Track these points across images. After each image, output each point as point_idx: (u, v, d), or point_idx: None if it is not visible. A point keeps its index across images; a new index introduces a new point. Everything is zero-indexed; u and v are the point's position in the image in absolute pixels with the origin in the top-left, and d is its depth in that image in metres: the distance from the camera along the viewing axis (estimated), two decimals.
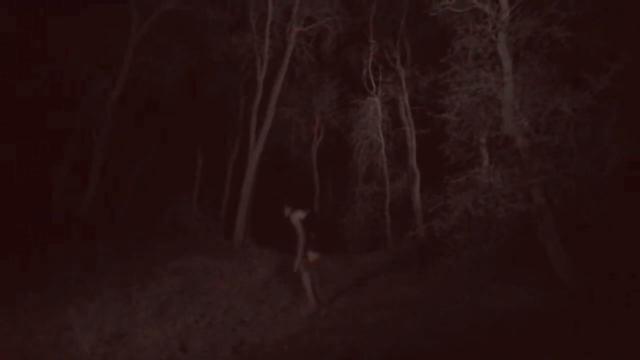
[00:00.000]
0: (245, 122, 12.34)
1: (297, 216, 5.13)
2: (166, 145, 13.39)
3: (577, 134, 5.46)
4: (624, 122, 5.30)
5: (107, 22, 10.62)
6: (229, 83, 12.96)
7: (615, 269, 4.81)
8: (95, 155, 10.44)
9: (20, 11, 9.67)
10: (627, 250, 4.87)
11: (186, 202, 12.87)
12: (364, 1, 11.61)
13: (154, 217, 12.14)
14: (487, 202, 5.79)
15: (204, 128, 13.52)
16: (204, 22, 11.20)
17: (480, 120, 6.45)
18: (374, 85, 11.47)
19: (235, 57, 11.54)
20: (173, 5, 10.68)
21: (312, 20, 11.29)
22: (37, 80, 10.14)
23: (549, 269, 5.26)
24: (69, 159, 11.15)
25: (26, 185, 10.13)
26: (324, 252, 5.20)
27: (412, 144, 11.25)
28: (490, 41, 6.19)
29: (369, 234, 11.83)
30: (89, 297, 5.27)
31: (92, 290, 5.68)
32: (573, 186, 5.31)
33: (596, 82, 5.31)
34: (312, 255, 5.10)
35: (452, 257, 6.22)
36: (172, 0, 10.64)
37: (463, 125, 6.69)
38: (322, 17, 11.27)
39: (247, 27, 11.07)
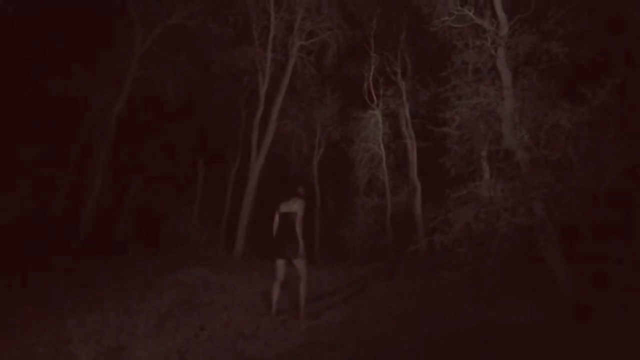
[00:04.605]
0: (247, 135, 12.42)
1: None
2: (167, 157, 13.44)
3: (576, 148, 5.50)
4: (622, 136, 5.34)
5: (111, 36, 10.78)
6: (230, 96, 13.08)
7: (616, 282, 4.79)
8: (96, 168, 10.48)
9: (21, 21, 9.77)
10: (628, 262, 4.86)
11: (187, 214, 12.86)
12: (365, 16, 11.78)
13: (154, 229, 12.13)
14: (488, 215, 5.79)
15: (205, 141, 13.60)
16: (207, 36, 11.37)
17: (480, 133, 6.50)
18: (374, 98, 11.55)
19: (237, 70, 11.69)
20: (176, 19, 10.86)
21: (314, 34, 11.48)
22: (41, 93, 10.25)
23: (551, 282, 5.23)
24: (70, 172, 11.19)
25: (26, 198, 10.16)
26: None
27: (413, 156, 11.28)
28: (489, 56, 6.29)
29: (370, 246, 11.76)
30: (88, 310, 5.24)
31: (92, 302, 5.65)
32: (574, 199, 5.32)
33: (594, 97, 5.37)
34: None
35: (453, 271, 6.19)
36: (175, 14, 10.83)
37: (463, 139, 6.74)
38: (323, 31, 11.47)
39: (249, 41, 11.23)
